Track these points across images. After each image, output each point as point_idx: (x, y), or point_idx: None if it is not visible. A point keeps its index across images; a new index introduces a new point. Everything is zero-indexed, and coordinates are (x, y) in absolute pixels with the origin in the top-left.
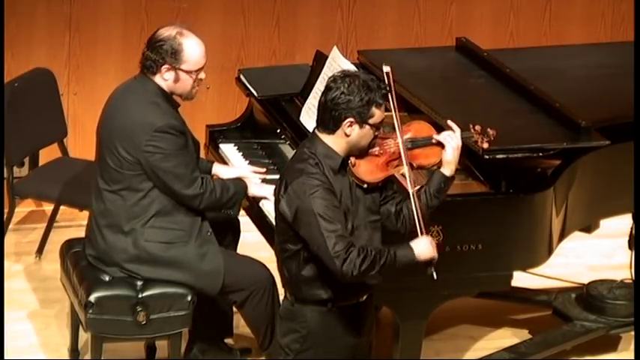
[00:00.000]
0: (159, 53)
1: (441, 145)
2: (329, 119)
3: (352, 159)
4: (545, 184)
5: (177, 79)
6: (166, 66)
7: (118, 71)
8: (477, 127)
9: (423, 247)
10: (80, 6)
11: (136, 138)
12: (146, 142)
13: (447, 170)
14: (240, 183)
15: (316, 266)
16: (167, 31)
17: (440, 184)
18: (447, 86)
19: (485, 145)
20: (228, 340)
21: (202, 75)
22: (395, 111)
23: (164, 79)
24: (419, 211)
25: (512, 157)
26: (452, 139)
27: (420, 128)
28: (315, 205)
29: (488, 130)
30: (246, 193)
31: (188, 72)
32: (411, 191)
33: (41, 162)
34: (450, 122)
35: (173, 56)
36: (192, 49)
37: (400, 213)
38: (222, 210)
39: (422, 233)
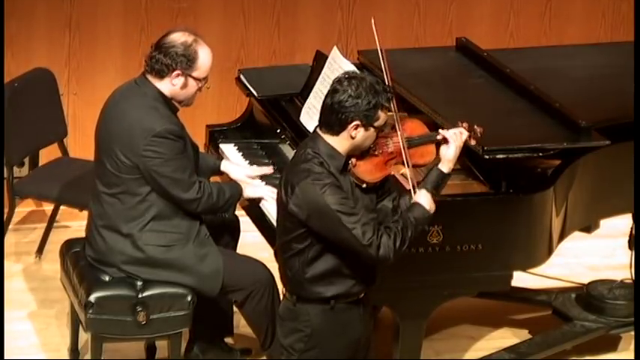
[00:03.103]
0: (173, 58)
1: (437, 143)
2: (335, 121)
3: (353, 159)
4: (545, 184)
5: (184, 86)
6: (178, 72)
7: (117, 71)
8: (465, 124)
9: (426, 199)
10: (80, 6)
11: (135, 143)
12: (145, 146)
13: (445, 167)
14: (235, 186)
15: (321, 264)
16: (182, 37)
17: (437, 180)
18: (447, 86)
19: (473, 142)
20: (229, 340)
21: (206, 83)
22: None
23: (172, 84)
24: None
25: (512, 157)
26: (458, 138)
27: (413, 126)
28: (329, 202)
29: (476, 127)
30: (241, 196)
31: (197, 79)
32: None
33: (41, 162)
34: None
35: (188, 63)
36: (206, 57)
37: (397, 209)
38: (217, 213)
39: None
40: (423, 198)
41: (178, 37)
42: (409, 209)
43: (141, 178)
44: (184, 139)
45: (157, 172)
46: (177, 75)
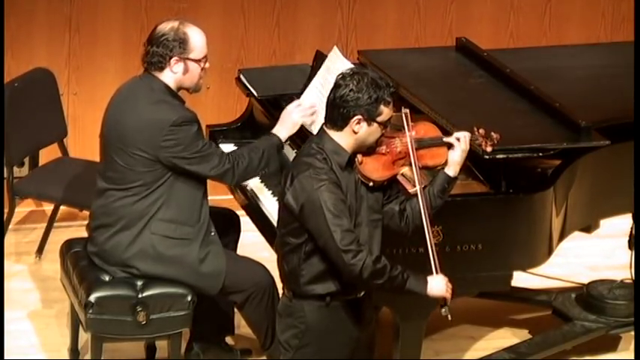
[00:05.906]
0: (166, 46)
1: (447, 146)
2: (337, 116)
3: (359, 156)
4: (545, 184)
5: (186, 70)
6: (175, 58)
7: (118, 71)
8: (481, 131)
9: (437, 285)
10: (80, 6)
11: (153, 136)
12: (164, 137)
13: (452, 171)
14: (268, 139)
15: (317, 261)
16: (168, 25)
17: (444, 184)
18: (447, 86)
19: (489, 149)
20: (229, 340)
21: (207, 64)
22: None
23: (173, 72)
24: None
25: (512, 157)
26: (464, 142)
27: (426, 128)
28: (322, 199)
29: (492, 133)
30: (278, 143)
31: (196, 61)
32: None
33: (41, 162)
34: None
35: (181, 47)
36: (197, 36)
37: (404, 212)
38: (259, 172)
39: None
40: (436, 281)
41: (165, 26)
42: (414, 273)
43: (157, 170)
44: (199, 123)
45: (183, 157)
46: (176, 62)
